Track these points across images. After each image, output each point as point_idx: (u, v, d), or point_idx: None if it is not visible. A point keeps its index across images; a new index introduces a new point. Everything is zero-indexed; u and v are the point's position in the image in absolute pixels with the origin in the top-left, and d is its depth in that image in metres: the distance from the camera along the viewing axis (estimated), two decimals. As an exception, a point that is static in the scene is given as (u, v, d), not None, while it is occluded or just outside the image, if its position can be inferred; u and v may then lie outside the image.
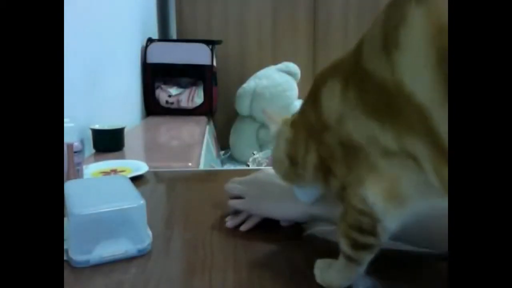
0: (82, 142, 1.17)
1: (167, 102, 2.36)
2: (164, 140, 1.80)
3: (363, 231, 0.47)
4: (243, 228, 0.68)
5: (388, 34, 0.41)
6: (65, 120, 0.81)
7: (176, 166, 1.20)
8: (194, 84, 2.46)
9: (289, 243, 0.64)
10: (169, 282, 0.55)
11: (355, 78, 0.46)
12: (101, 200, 0.60)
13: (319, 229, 0.68)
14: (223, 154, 2.89)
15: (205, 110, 2.42)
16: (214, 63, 2.48)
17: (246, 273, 0.56)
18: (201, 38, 2.65)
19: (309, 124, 0.54)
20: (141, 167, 1.04)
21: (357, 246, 0.49)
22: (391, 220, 0.46)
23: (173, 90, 2.38)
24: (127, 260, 0.59)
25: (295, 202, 0.65)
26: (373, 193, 0.46)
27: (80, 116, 1.31)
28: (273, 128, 0.61)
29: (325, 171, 0.52)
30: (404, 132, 0.42)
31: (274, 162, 0.61)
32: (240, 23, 2.91)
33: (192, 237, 0.67)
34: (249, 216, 0.69)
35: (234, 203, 0.72)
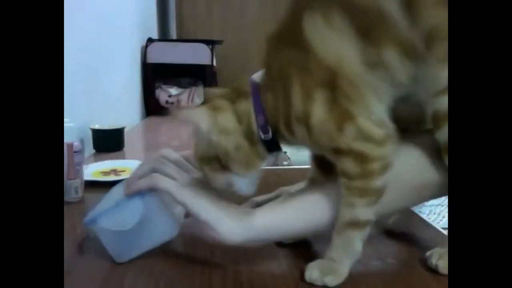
0: (82, 142, 1.17)
1: (167, 102, 2.35)
2: (164, 140, 1.79)
3: (387, 167, 0.50)
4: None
5: None
6: (65, 120, 0.81)
7: (176, 166, 1.20)
8: (194, 84, 2.46)
9: (290, 243, 0.64)
10: (169, 282, 0.54)
11: (346, 5, 0.48)
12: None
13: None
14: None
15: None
16: (214, 63, 2.48)
17: (247, 273, 0.56)
18: (201, 38, 2.64)
19: (305, 70, 0.51)
20: (141, 167, 1.04)
21: (378, 197, 0.50)
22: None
23: (173, 90, 2.38)
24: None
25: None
26: (380, 109, 0.50)
27: (80, 116, 1.31)
28: (204, 123, 0.53)
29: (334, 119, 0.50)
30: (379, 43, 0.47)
31: (226, 155, 0.53)
32: (240, 23, 2.90)
33: (191, 236, 0.67)
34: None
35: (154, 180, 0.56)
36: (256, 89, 0.54)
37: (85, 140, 1.29)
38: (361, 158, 0.50)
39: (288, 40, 0.52)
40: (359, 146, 0.50)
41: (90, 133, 1.34)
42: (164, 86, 2.39)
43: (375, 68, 0.49)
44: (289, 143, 0.55)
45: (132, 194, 0.58)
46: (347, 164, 0.51)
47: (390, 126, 0.51)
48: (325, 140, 0.51)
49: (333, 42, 0.49)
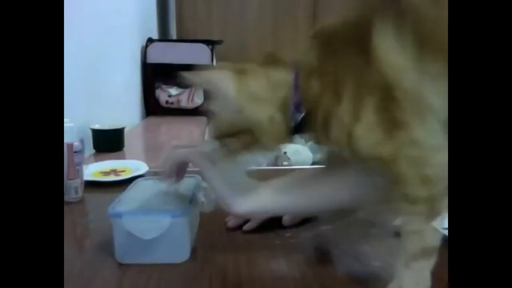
0: (82, 142, 1.17)
1: (167, 102, 2.35)
2: (164, 140, 1.79)
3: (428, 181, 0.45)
4: (245, 228, 0.68)
5: None
6: (65, 120, 0.81)
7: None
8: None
9: (290, 243, 0.64)
10: (169, 283, 0.54)
11: (405, 16, 0.44)
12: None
13: (320, 229, 0.68)
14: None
15: (205, 110, 2.42)
16: (214, 63, 2.48)
17: (247, 273, 0.56)
18: (201, 38, 2.64)
19: (357, 70, 0.47)
20: (141, 167, 1.04)
21: (438, 204, 0.45)
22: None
23: (173, 90, 2.38)
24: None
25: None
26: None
27: (80, 116, 1.30)
28: (231, 88, 0.49)
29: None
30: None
31: (258, 126, 0.50)
32: (240, 23, 2.90)
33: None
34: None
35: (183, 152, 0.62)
36: (297, 65, 0.50)
37: (85, 140, 1.29)
38: (418, 169, 0.45)
39: (352, 41, 0.48)
40: (409, 151, 0.46)
41: (90, 133, 1.34)
42: (164, 86, 2.39)
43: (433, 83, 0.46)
44: (312, 136, 0.53)
45: (164, 208, 0.59)
46: (410, 189, 0.46)
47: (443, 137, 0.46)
48: (365, 147, 0.47)
49: (398, 56, 0.46)
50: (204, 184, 0.64)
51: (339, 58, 0.49)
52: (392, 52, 0.46)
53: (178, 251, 0.59)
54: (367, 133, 0.46)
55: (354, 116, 0.47)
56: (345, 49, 0.49)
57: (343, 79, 0.48)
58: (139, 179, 0.71)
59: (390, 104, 0.46)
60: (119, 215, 0.57)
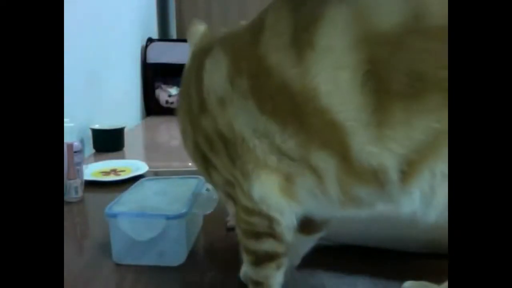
0: (82, 142, 1.17)
1: (167, 102, 2.35)
2: (164, 140, 1.79)
3: (260, 235, 0.41)
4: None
5: (299, 29, 0.35)
6: (65, 120, 0.81)
7: (176, 166, 1.20)
8: (194, 84, 2.46)
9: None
10: (169, 283, 0.54)
11: (250, 65, 0.38)
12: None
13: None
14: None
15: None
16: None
17: (246, 273, 0.56)
18: (201, 38, 2.64)
19: (188, 101, 0.44)
20: (141, 167, 1.04)
21: (259, 259, 0.42)
22: (288, 218, 0.40)
23: (173, 90, 2.38)
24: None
25: None
26: (261, 187, 0.39)
27: (80, 116, 1.30)
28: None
29: (203, 160, 0.44)
30: (310, 144, 0.36)
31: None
32: (240, 23, 2.90)
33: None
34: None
35: None
36: None
37: (85, 140, 1.29)
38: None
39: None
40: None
41: (90, 133, 1.34)
42: (164, 86, 2.39)
43: None
44: None
45: (161, 209, 0.58)
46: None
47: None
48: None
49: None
50: (206, 185, 0.64)
51: None
52: (216, 77, 0.41)
53: (174, 253, 0.59)
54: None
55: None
56: None
57: None
58: (142, 179, 0.71)
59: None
60: (114, 216, 0.58)
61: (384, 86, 0.32)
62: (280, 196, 0.39)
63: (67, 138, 0.83)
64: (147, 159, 1.13)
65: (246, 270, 0.45)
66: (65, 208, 0.79)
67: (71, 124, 0.85)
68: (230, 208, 0.44)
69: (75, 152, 0.85)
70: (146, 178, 0.73)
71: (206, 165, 0.44)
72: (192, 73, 0.45)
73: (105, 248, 0.60)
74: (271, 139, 0.38)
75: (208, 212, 0.63)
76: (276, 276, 0.42)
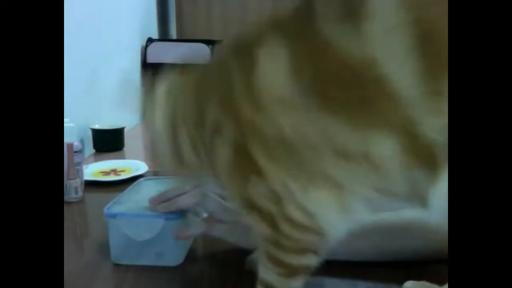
0: (82, 142, 1.17)
1: (167, 102, 2.35)
2: (164, 140, 1.79)
3: (304, 251, 0.39)
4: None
5: None
6: (65, 120, 0.81)
7: (176, 166, 1.20)
8: (194, 84, 2.45)
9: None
10: (169, 283, 0.54)
11: (308, 46, 0.35)
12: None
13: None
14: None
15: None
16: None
17: (247, 273, 0.56)
18: (201, 38, 2.64)
19: (227, 93, 0.40)
20: (141, 167, 1.04)
21: (293, 272, 0.40)
22: (339, 232, 0.38)
23: (173, 90, 2.38)
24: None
25: None
26: (317, 201, 0.36)
27: (80, 116, 1.30)
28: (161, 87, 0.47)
29: (242, 167, 0.39)
30: (372, 129, 0.33)
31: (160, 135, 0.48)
32: (240, 23, 2.90)
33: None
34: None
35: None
36: None
37: (85, 140, 1.29)
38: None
39: None
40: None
41: (90, 133, 1.34)
42: (164, 86, 2.39)
43: None
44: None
45: (158, 212, 0.57)
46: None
47: None
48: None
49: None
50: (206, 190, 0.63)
51: None
52: (276, 72, 0.37)
53: (173, 253, 0.59)
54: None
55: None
56: None
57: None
58: (141, 179, 0.71)
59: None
60: (113, 216, 0.57)
61: (434, 51, 0.30)
62: (337, 210, 0.37)
63: (67, 138, 0.83)
64: (147, 159, 1.13)
65: (263, 272, 0.42)
66: (65, 208, 0.79)
67: (71, 124, 0.85)
68: (259, 229, 0.40)
69: (75, 152, 0.85)
70: (145, 178, 0.73)
71: (246, 172, 0.39)
72: (235, 67, 0.40)
73: (105, 248, 0.60)
74: (329, 140, 0.34)
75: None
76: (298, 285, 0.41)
